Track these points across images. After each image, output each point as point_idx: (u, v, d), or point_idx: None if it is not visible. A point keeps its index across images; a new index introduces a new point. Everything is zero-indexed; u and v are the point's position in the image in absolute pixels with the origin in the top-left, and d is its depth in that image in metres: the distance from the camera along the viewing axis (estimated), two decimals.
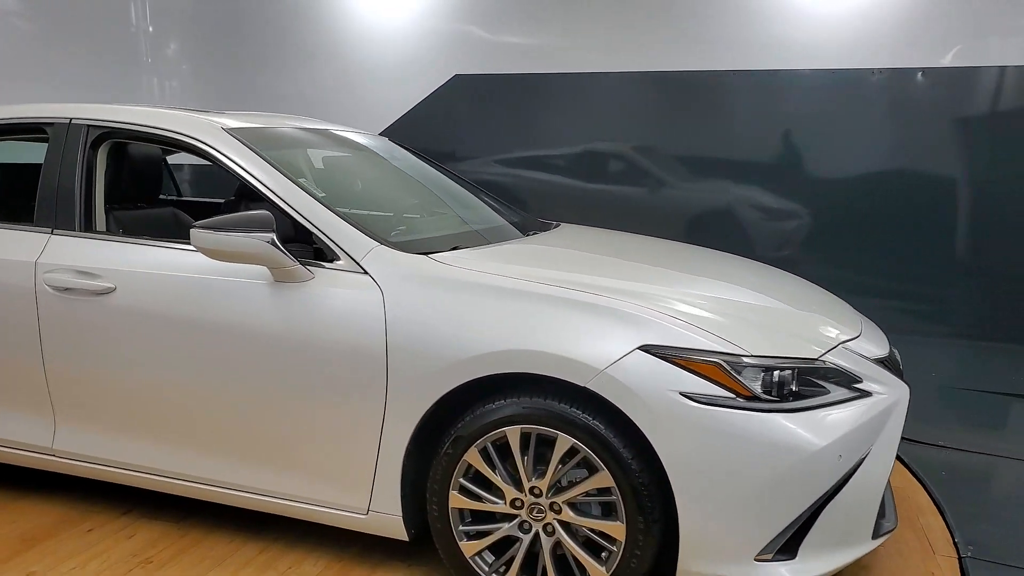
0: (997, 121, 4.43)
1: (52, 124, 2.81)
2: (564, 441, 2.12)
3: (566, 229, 3.29)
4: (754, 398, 2.02)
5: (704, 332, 2.08)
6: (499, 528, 2.25)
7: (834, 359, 2.20)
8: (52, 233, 2.69)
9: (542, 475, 2.18)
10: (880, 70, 4.62)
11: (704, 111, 5.17)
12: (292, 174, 2.54)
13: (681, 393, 2.01)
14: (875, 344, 2.45)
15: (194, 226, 2.30)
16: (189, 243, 2.50)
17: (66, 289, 2.58)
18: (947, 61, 4.54)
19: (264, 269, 2.39)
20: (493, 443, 2.21)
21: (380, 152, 3.42)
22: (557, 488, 2.18)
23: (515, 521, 2.23)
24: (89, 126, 2.77)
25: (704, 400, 2.00)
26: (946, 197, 4.59)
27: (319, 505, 2.43)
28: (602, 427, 2.09)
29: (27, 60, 6.00)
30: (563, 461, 2.15)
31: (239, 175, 2.54)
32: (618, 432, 2.09)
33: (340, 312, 2.30)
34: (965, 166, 4.52)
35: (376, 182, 3.34)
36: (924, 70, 4.55)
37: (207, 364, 2.44)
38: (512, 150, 5.63)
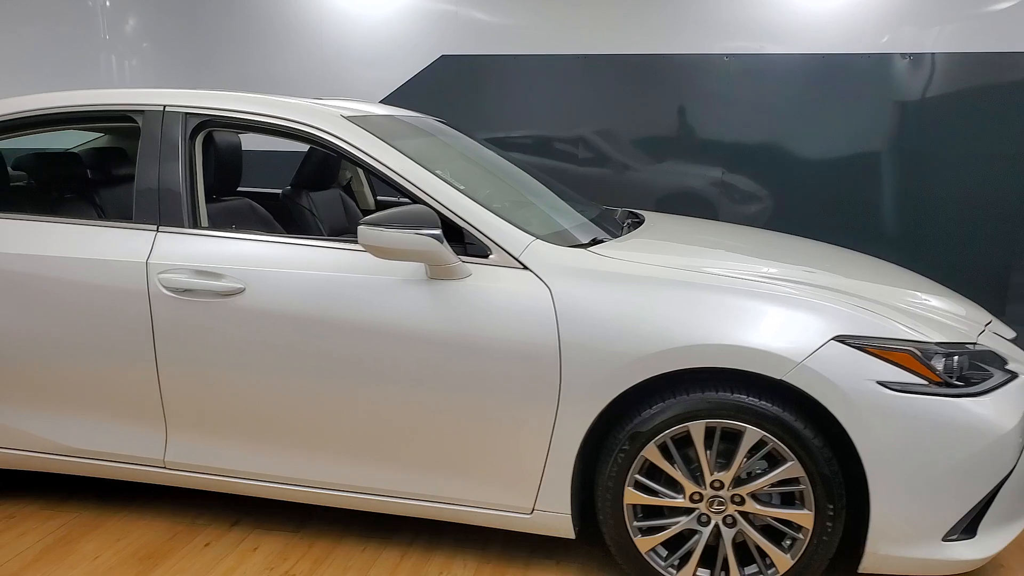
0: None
1: (143, 112, 2.60)
2: (752, 434, 2.12)
3: (665, 218, 3.26)
4: (944, 384, 2.06)
5: (892, 321, 2.11)
6: (676, 522, 2.24)
7: (984, 342, 2.27)
8: (158, 231, 2.50)
9: (721, 467, 2.18)
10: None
11: (697, 94, 5.18)
12: (426, 164, 2.43)
13: (878, 382, 2.03)
14: (1002, 325, 2.55)
15: (363, 223, 2.18)
16: (318, 239, 2.41)
17: (185, 290, 2.40)
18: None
19: (416, 266, 2.29)
20: (672, 438, 2.19)
21: (446, 137, 3.28)
22: (737, 480, 2.18)
23: (693, 515, 2.23)
24: (187, 114, 2.57)
25: (900, 388, 2.03)
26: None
27: (478, 507, 2.37)
28: (793, 418, 2.10)
29: None
30: (749, 454, 2.16)
31: (371, 167, 2.41)
32: (808, 422, 2.10)
33: (505, 309, 2.23)
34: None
35: (462, 171, 3.23)
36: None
37: (349, 366, 2.33)
38: (500, 132, 5.51)
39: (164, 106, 2.60)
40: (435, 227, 2.18)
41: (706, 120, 5.05)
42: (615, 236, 2.65)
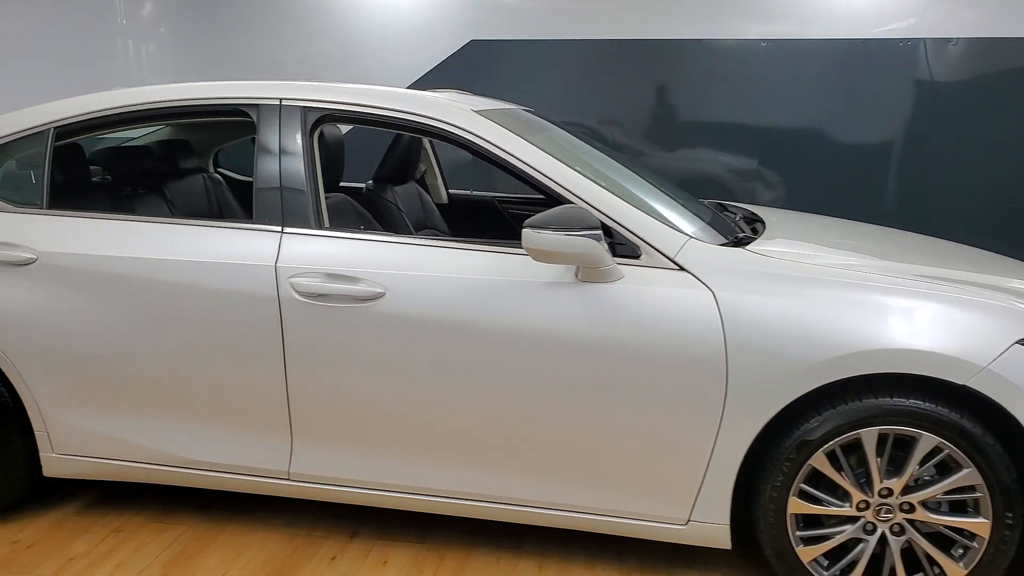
0: None
1: (257, 106, 2.48)
2: (928, 441, 2.05)
3: (781, 214, 3.18)
4: None
5: None
6: (842, 531, 2.17)
7: None
8: (283, 232, 2.38)
9: (889, 475, 2.11)
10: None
11: (737, 80, 5.08)
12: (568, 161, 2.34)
13: None
14: None
15: (526, 226, 2.08)
16: (461, 241, 2.32)
17: (320, 295, 2.29)
18: None
19: (563, 269, 2.20)
20: (840, 445, 2.12)
21: (550, 131, 3.16)
22: (906, 487, 2.12)
23: (859, 523, 2.16)
24: (305, 108, 2.46)
25: None
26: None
27: (626, 517, 2.29)
28: (972, 425, 2.03)
29: None
30: (922, 461, 2.09)
31: (508, 164, 2.32)
32: (987, 429, 2.04)
33: (663, 313, 2.14)
34: None
35: (585, 166, 3.10)
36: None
37: (492, 372, 2.23)
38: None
39: (280, 99, 2.48)
40: (594, 228, 2.09)
41: (740, 105, 4.96)
42: (753, 234, 2.57)
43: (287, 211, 2.41)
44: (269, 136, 2.46)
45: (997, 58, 4.50)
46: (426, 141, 3.75)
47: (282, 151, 2.44)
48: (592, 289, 2.18)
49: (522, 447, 2.28)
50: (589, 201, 2.25)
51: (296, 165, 2.43)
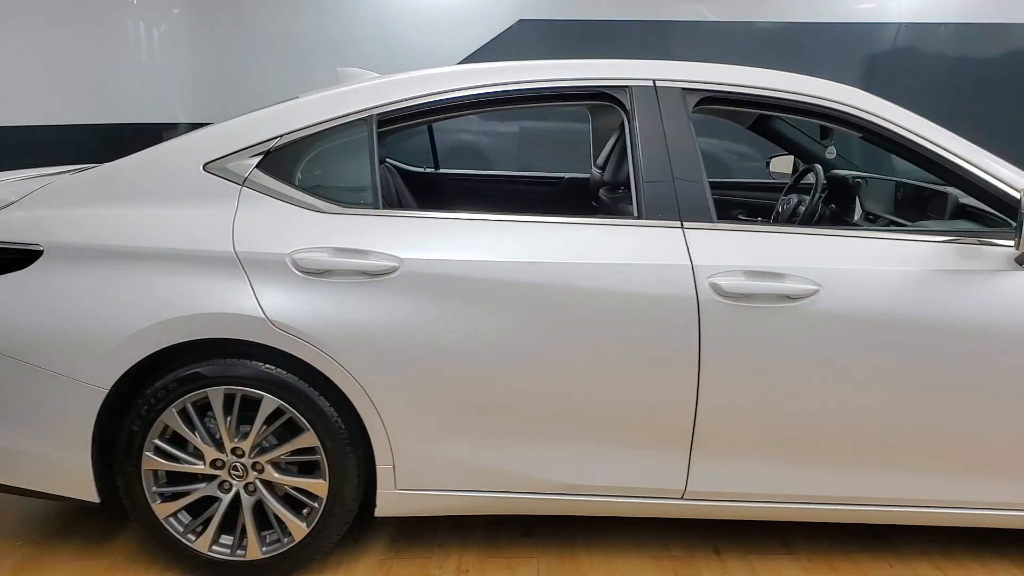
0: None
1: (628, 89, 2.24)
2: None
3: None
4: None
5: None
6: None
7: None
8: (683, 227, 2.17)
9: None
10: None
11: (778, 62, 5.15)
12: None
13: None
14: None
15: None
16: (896, 232, 2.25)
17: (743, 295, 2.10)
18: None
19: (999, 256, 2.12)
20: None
21: None
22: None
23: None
24: (684, 90, 2.24)
25: None
26: None
27: None
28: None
29: None
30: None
31: (920, 148, 2.22)
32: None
33: None
34: None
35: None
36: None
37: (938, 372, 2.13)
38: None
39: (654, 81, 2.25)
40: None
41: None
42: None
43: (683, 205, 2.18)
44: (648, 122, 2.22)
45: None
46: None
47: (668, 139, 2.21)
48: None
49: (963, 448, 2.19)
50: (1016, 186, 2.18)
51: (687, 154, 2.21)
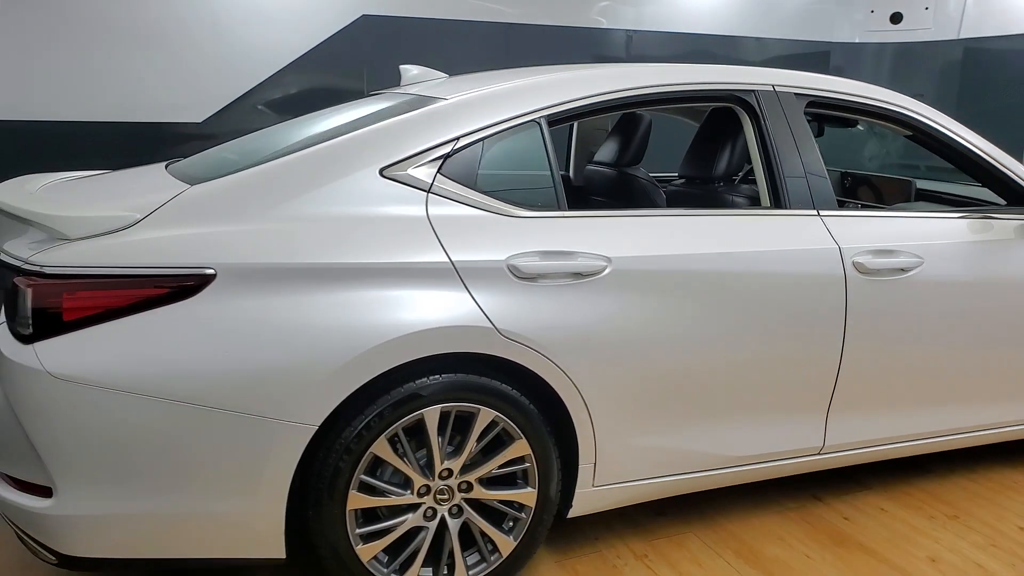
0: None
1: (755, 92, 2.51)
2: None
3: None
4: None
5: None
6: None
7: None
8: (819, 215, 2.48)
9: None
10: None
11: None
12: None
13: None
14: None
15: None
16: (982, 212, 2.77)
17: (875, 271, 2.47)
18: None
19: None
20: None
21: None
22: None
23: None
24: (796, 94, 2.56)
25: None
26: None
27: None
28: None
29: None
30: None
31: (961, 147, 2.74)
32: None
33: None
34: None
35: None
36: None
37: (1004, 318, 2.72)
38: None
39: (773, 86, 2.52)
40: None
41: None
42: None
43: (815, 195, 2.48)
44: (777, 122, 2.49)
45: None
46: None
47: (795, 136, 2.49)
48: None
49: (1005, 381, 2.75)
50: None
51: (811, 149, 2.51)
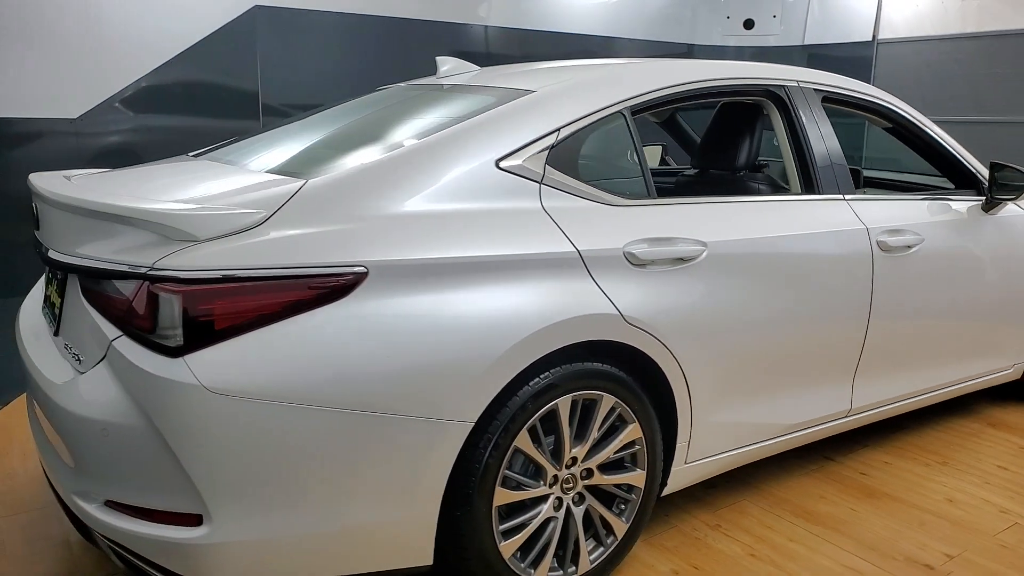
0: None
1: (785, 87, 2.73)
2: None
3: None
4: None
5: None
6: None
7: None
8: (845, 199, 2.74)
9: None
10: None
11: None
12: None
13: None
14: None
15: None
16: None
17: (890, 248, 2.76)
18: None
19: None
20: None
21: None
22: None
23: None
24: (815, 89, 2.81)
25: None
26: None
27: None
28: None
29: None
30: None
31: (930, 139, 3.13)
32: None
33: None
34: None
35: None
36: None
37: (974, 282, 3.13)
38: (324, 92, 5.32)
39: (798, 82, 2.75)
40: None
41: None
42: None
43: (840, 181, 2.74)
44: (806, 113, 2.71)
45: None
46: None
47: (821, 129, 2.73)
48: (996, 218, 3.17)
49: (972, 339, 3.17)
50: (978, 170, 3.21)
51: (832, 138, 2.76)
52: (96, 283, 1.83)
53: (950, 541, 2.54)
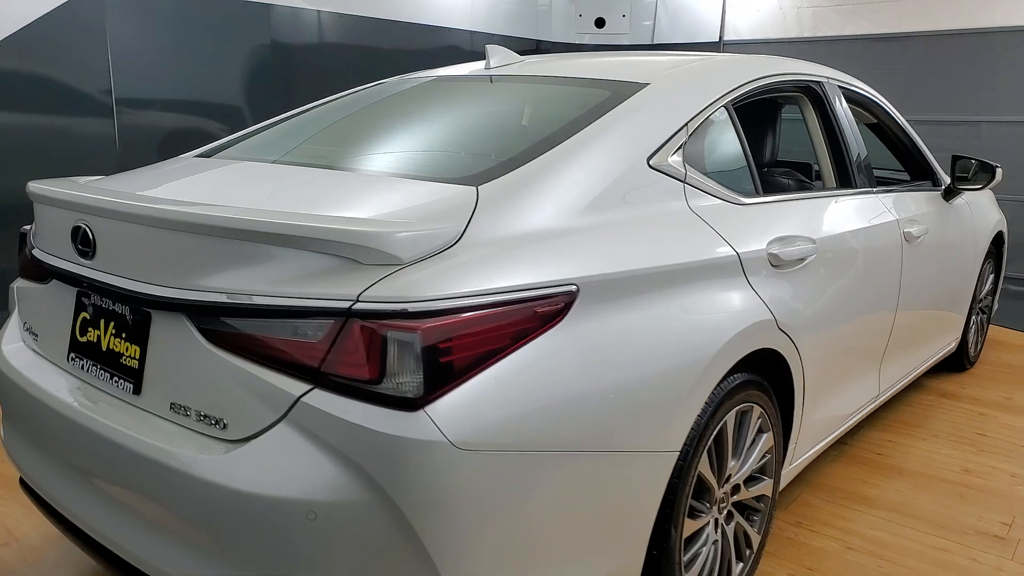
0: None
1: (821, 83, 2.78)
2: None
3: None
4: None
5: None
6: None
7: None
8: (873, 192, 2.85)
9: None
10: None
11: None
12: None
13: None
14: None
15: None
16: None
17: (911, 237, 2.91)
18: None
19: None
20: None
21: None
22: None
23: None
24: (839, 86, 2.89)
25: None
26: None
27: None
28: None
29: None
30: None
31: (902, 131, 3.35)
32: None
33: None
34: None
35: None
36: None
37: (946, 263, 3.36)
38: (189, 81, 5.22)
39: (828, 79, 2.82)
40: None
41: None
42: None
43: (868, 176, 2.83)
44: (840, 109, 2.78)
45: None
46: None
47: (850, 124, 2.81)
48: (952, 206, 3.47)
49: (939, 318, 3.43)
50: (932, 162, 3.48)
51: (859, 135, 2.85)
52: (240, 324, 1.42)
53: (996, 509, 2.72)
